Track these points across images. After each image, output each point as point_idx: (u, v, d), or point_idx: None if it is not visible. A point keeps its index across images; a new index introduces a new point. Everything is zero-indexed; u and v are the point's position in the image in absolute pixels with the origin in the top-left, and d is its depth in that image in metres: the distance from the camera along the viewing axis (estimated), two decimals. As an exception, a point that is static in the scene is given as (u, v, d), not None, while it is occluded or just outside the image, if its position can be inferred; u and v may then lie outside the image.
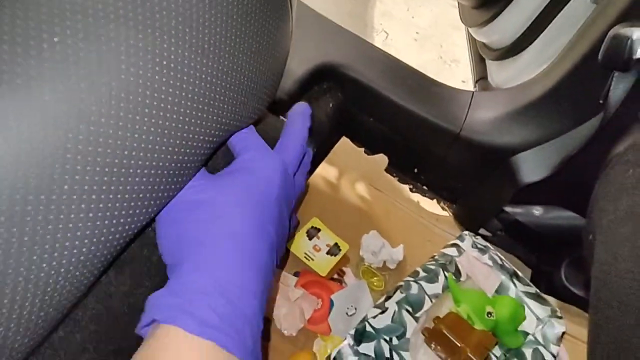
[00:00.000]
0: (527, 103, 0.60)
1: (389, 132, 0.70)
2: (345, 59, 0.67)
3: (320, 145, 0.67)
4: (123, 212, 0.24)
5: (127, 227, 0.24)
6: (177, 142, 0.26)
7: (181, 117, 0.26)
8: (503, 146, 0.60)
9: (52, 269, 0.21)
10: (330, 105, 0.68)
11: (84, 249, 0.22)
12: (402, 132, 0.69)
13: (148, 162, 0.24)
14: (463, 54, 1.51)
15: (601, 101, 0.45)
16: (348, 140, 0.69)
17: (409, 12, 1.55)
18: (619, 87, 0.42)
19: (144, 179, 0.24)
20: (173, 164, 0.26)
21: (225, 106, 0.30)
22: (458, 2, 0.92)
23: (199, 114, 0.28)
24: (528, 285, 0.54)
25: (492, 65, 0.88)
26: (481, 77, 0.93)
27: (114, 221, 0.23)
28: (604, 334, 0.37)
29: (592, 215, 0.44)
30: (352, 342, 0.46)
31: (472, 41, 0.95)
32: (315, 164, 0.67)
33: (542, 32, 0.72)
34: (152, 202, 0.26)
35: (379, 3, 1.54)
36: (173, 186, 0.27)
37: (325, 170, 0.66)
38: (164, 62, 0.24)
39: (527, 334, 0.52)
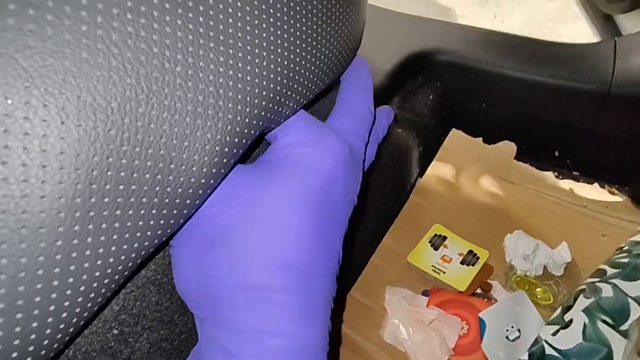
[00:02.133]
0: None
1: (510, 114, 0.57)
2: (437, 44, 0.59)
3: (426, 142, 0.57)
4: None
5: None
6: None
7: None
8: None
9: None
10: (431, 97, 0.59)
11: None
12: (527, 110, 0.56)
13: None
14: (577, 37, 1.31)
15: None
16: (460, 132, 0.58)
17: (497, 19, 1.43)
18: None
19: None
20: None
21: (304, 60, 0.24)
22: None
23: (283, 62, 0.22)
24: None
25: (624, 20, 0.71)
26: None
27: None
28: None
29: None
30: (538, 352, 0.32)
31: (591, 3, 0.79)
32: (424, 164, 0.57)
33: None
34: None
35: (462, 19, 1.46)
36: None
37: (438, 170, 0.55)
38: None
39: None
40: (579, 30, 1.27)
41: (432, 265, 0.46)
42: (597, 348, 0.32)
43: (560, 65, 0.53)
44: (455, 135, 0.58)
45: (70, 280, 0.16)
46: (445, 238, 0.48)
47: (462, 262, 0.45)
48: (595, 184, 0.52)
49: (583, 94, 0.51)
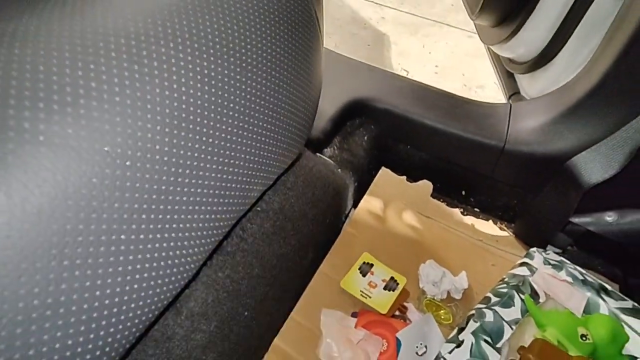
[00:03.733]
0: (572, 104, 0.56)
1: (429, 157, 0.68)
2: (373, 93, 0.67)
3: (360, 179, 0.65)
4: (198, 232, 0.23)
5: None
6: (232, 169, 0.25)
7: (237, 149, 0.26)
8: (555, 152, 0.57)
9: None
10: (365, 138, 0.67)
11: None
12: (442, 155, 0.67)
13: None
14: (486, 78, 1.50)
15: (659, 83, 0.42)
16: (388, 170, 0.68)
17: (425, 49, 1.58)
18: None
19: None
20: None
21: (272, 147, 0.30)
22: (475, 25, 0.93)
23: (252, 153, 0.27)
24: (622, 299, 0.47)
25: (522, 79, 0.86)
26: (513, 93, 0.90)
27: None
28: None
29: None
30: (431, 382, 0.41)
31: (497, 59, 0.94)
32: (357, 197, 0.65)
33: (569, 37, 0.70)
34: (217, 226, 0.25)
35: (394, 45, 1.59)
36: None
37: (368, 203, 0.64)
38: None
39: (635, 358, 0.44)
40: (490, 67, 1.47)
41: (361, 291, 0.54)
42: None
43: (469, 121, 0.64)
44: (384, 173, 0.67)
45: None
46: (372, 265, 0.57)
47: (384, 288, 0.54)
48: (490, 221, 0.65)
49: (485, 147, 0.63)
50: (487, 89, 1.43)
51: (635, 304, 0.47)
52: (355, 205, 0.65)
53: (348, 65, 0.72)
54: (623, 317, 0.46)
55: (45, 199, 0.17)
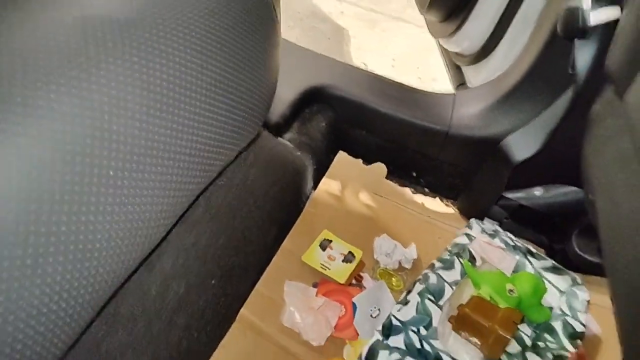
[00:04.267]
0: (505, 92, 0.64)
1: (382, 141, 0.73)
2: (331, 80, 0.71)
3: (319, 162, 0.70)
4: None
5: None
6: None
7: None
8: (491, 134, 0.63)
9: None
10: (323, 124, 0.72)
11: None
12: (394, 139, 0.72)
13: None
14: (440, 72, 1.59)
15: (571, 71, 0.49)
16: (345, 154, 0.72)
17: (383, 43, 1.65)
18: (583, 55, 0.46)
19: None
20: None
21: (231, 121, 0.33)
22: (426, 20, 0.99)
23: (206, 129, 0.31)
24: (544, 259, 0.55)
25: (468, 71, 0.94)
26: (460, 84, 0.98)
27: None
28: (623, 282, 0.38)
29: (587, 176, 0.46)
30: (380, 338, 0.46)
31: (446, 52, 1.01)
32: (316, 179, 0.69)
33: (505, 32, 0.78)
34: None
35: (353, 39, 1.64)
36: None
37: (327, 185, 0.68)
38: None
39: (552, 307, 0.52)
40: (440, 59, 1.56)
41: (321, 264, 0.58)
42: (423, 317, 0.48)
43: (418, 109, 0.70)
44: (342, 157, 0.72)
45: None
46: (331, 241, 0.62)
47: (343, 260, 0.59)
48: (437, 199, 0.71)
49: (432, 131, 0.69)
50: (439, 81, 1.52)
51: (555, 263, 0.54)
52: (315, 186, 0.69)
53: (308, 56, 0.76)
54: (545, 274, 0.54)
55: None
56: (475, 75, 0.91)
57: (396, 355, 0.45)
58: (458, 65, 0.98)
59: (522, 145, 0.58)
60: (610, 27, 0.43)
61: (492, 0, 0.75)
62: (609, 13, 0.44)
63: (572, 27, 0.44)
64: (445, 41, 0.94)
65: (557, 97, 0.54)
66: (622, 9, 0.43)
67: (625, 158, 0.37)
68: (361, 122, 0.73)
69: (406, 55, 1.62)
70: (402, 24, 1.76)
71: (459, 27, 0.84)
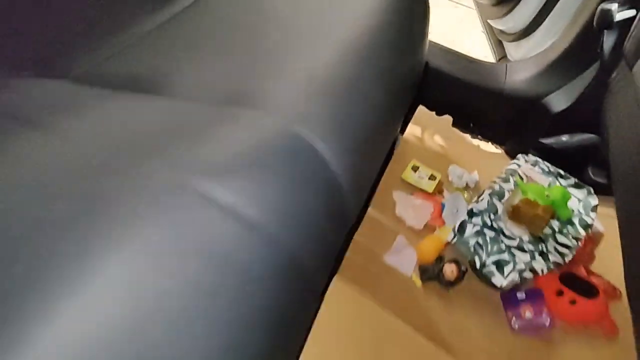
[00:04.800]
0: (548, 64, 0.88)
1: (450, 99, 0.98)
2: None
3: (405, 116, 0.95)
4: None
5: None
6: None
7: None
8: (535, 94, 0.88)
9: None
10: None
11: None
12: (459, 97, 0.97)
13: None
14: (472, 45, 1.81)
15: (598, 51, 0.73)
16: (424, 107, 0.97)
17: (423, 17, 1.85)
18: (608, 40, 0.70)
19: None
20: None
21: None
22: (476, 2, 1.21)
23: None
24: (569, 178, 0.82)
25: (509, 46, 1.17)
26: (502, 57, 1.21)
27: None
28: (623, 186, 0.64)
29: (604, 122, 0.71)
30: (466, 218, 0.73)
31: (490, 30, 1.24)
32: (403, 127, 0.95)
33: (545, 19, 1.01)
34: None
35: (397, 12, 1.84)
36: None
37: (412, 129, 0.94)
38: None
39: (573, 210, 0.79)
40: (474, 34, 1.77)
41: (415, 180, 0.85)
42: (492, 208, 0.75)
43: (478, 74, 0.95)
44: (421, 110, 0.97)
45: None
46: (418, 167, 0.88)
47: (428, 179, 0.86)
48: (489, 143, 0.97)
49: (489, 92, 0.94)
50: (473, 54, 1.74)
51: (577, 180, 0.81)
52: (402, 131, 0.95)
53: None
54: (569, 188, 0.80)
55: None
56: (516, 51, 1.15)
57: (477, 227, 0.72)
58: (500, 41, 1.21)
59: (559, 101, 0.83)
60: (628, 23, 0.68)
61: (538, -8, 0.98)
62: (628, 13, 0.68)
63: (604, 22, 0.68)
64: (493, 21, 1.17)
65: (586, 69, 0.79)
66: (637, 11, 0.67)
67: (631, 108, 0.63)
68: (436, 84, 0.97)
69: (441, 31, 1.83)
70: (436, 2, 1.95)
71: (508, 12, 1.07)
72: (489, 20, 1.21)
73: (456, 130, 0.97)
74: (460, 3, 1.99)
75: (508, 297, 0.71)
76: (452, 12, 1.89)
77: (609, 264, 0.77)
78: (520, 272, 0.67)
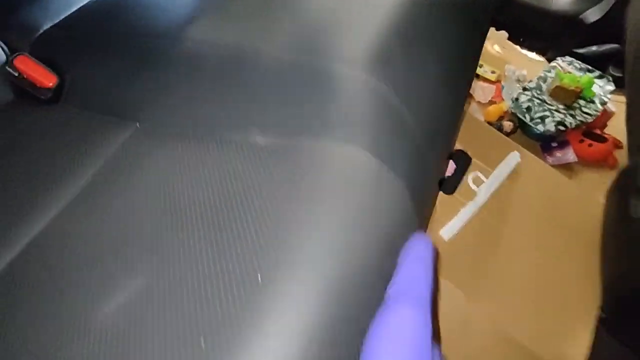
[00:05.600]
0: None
1: (505, 18, 1.28)
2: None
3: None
4: None
5: None
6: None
7: None
8: (576, 10, 1.18)
9: None
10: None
11: None
12: (513, 15, 1.27)
13: None
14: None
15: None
16: (487, 22, 1.28)
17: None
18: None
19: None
20: None
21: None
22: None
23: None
24: (595, 71, 1.13)
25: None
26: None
27: None
28: (631, 69, 0.96)
29: (625, 25, 1.02)
30: (521, 89, 1.06)
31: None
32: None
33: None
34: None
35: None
36: None
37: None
38: None
39: (595, 92, 1.11)
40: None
41: (481, 73, 1.17)
42: (539, 86, 1.08)
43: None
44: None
45: None
46: (482, 65, 1.20)
47: (491, 72, 1.18)
48: (534, 52, 1.28)
49: (538, 10, 1.23)
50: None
51: (600, 72, 1.13)
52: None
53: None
54: (595, 80, 1.12)
55: None
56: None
57: (528, 97, 1.05)
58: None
59: (593, 15, 1.13)
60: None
61: None
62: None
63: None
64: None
65: (617, -11, 1.08)
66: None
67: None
68: (497, 7, 1.27)
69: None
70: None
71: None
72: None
73: (510, 43, 1.28)
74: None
75: (545, 145, 1.06)
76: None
77: (616, 129, 1.10)
78: (557, 124, 1.01)
